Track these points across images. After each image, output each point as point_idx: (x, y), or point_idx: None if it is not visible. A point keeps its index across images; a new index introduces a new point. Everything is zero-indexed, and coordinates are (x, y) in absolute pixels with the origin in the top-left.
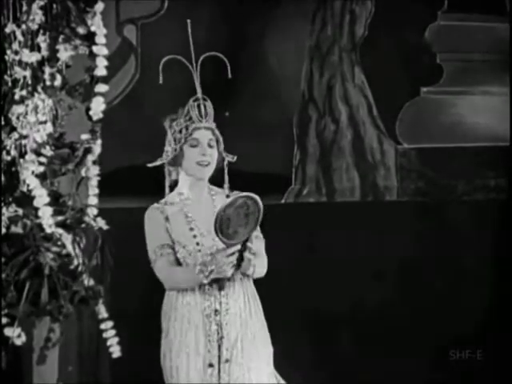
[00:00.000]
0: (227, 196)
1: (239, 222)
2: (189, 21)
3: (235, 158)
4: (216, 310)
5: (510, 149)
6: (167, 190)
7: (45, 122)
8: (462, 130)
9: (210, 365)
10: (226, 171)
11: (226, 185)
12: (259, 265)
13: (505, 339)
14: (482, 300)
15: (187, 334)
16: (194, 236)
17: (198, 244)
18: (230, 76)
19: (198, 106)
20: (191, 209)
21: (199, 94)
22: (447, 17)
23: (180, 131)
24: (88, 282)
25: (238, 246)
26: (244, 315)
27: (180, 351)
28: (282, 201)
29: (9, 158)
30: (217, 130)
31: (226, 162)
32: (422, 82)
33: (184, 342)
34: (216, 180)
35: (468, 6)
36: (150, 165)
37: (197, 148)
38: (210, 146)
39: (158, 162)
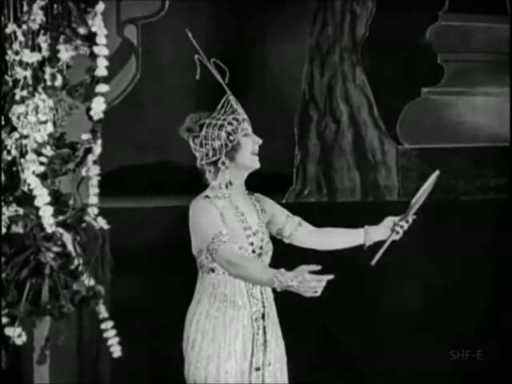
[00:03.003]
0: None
1: (419, 200)
2: (187, 30)
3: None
4: (263, 314)
5: (510, 149)
6: (220, 184)
7: (45, 122)
8: (462, 130)
9: (258, 368)
10: None
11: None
12: None
13: (505, 339)
14: (481, 300)
15: (236, 337)
16: (248, 236)
17: (251, 244)
18: (227, 81)
19: (235, 100)
20: (239, 206)
21: (228, 91)
22: (448, 17)
23: (230, 123)
24: (88, 281)
25: (331, 276)
26: (274, 319)
27: (231, 355)
28: (283, 201)
29: (9, 158)
30: None
31: None
32: (422, 83)
33: (233, 345)
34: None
35: (469, 6)
36: (205, 162)
37: (249, 137)
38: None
39: (210, 159)
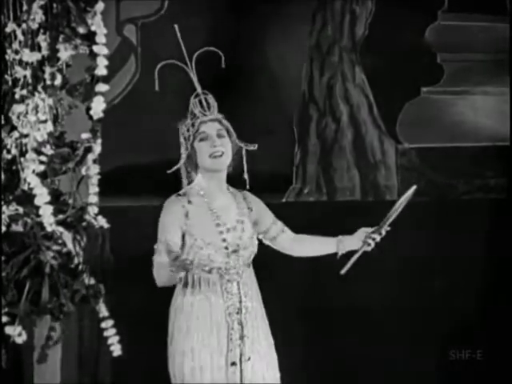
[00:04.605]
0: (249, 190)
1: (394, 213)
2: (176, 26)
3: (256, 146)
4: (238, 309)
5: (510, 148)
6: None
7: (45, 121)
8: (462, 129)
9: (233, 363)
10: (244, 160)
11: (246, 174)
12: None
13: (505, 339)
14: (481, 300)
15: (210, 332)
16: (221, 232)
17: (224, 240)
18: (223, 66)
19: (200, 101)
20: (213, 203)
21: (199, 90)
22: (447, 17)
23: (188, 130)
24: (88, 280)
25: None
26: (255, 314)
27: (203, 350)
28: (283, 200)
29: (9, 157)
30: (225, 120)
31: (243, 152)
32: (422, 82)
33: (207, 341)
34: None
35: (468, 5)
36: (169, 171)
37: (207, 141)
38: (219, 136)
39: (176, 166)
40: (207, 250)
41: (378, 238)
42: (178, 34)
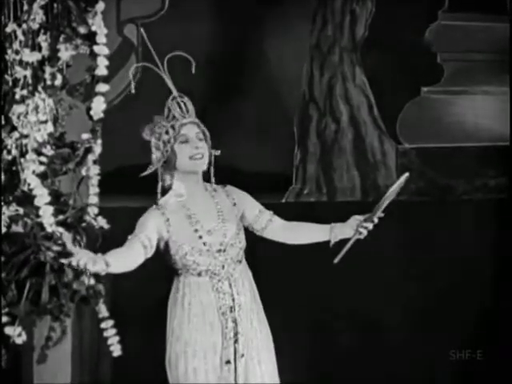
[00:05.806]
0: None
1: (386, 201)
2: (142, 30)
3: (219, 151)
4: (231, 307)
5: (510, 148)
6: (159, 196)
7: (45, 122)
8: (462, 129)
9: (228, 361)
10: (212, 165)
11: (213, 179)
12: None
13: (505, 339)
14: (482, 300)
15: (204, 333)
16: (200, 237)
17: (205, 244)
18: (193, 72)
19: (178, 103)
20: (192, 208)
21: (175, 93)
22: (448, 16)
23: (167, 132)
24: (88, 280)
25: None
26: (250, 310)
27: (197, 351)
28: (283, 200)
29: (9, 158)
30: (201, 123)
31: (212, 157)
32: (422, 82)
33: (201, 341)
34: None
35: (469, 5)
36: (142, 174)
37: (187, 143)
38: (199, 139)
39: (149, 170)
40: (191, 255)
41: (371, 226)
42: (146, 39)
